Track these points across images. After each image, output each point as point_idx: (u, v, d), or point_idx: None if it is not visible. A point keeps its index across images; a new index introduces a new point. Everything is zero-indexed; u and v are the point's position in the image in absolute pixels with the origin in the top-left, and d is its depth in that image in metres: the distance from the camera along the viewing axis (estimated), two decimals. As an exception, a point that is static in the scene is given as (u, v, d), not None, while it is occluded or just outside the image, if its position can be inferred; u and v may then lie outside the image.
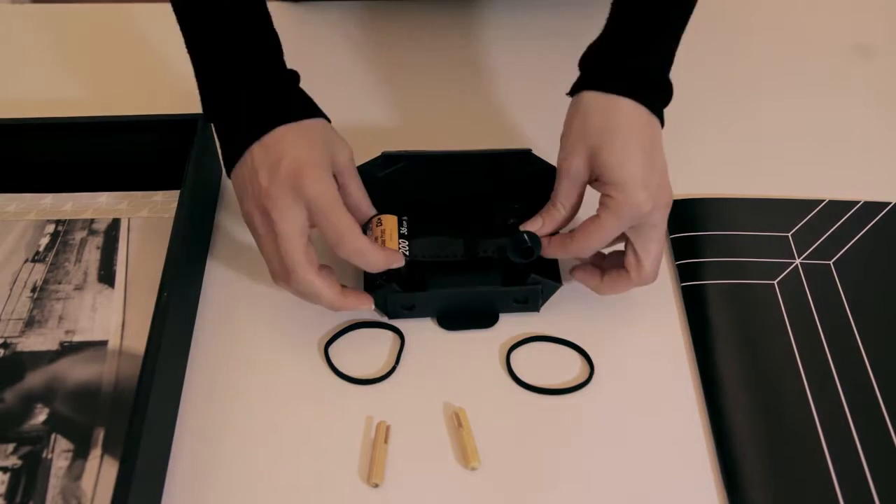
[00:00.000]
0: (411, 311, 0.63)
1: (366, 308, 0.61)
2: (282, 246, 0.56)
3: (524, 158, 0.67)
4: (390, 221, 0.62)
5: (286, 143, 0.57)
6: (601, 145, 0.58)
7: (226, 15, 0.60)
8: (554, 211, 0.61)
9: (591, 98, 0.59)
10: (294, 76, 0.62)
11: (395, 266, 0.60)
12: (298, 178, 0.55)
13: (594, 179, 0.59)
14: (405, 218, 0.64)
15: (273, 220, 0.56)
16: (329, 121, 0.62)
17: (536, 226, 0.61)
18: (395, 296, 0.62)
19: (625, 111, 0.58)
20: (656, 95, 0.60)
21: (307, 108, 0.61)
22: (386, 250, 0.60)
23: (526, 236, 0.60)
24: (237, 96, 0.60)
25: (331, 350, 0.62)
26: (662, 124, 0.61)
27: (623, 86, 0.59)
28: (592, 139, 0.58)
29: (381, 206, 0.63)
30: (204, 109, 0.63)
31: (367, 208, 0.62)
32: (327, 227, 0.56)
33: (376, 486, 0.55)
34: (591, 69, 0.61)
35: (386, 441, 0.57)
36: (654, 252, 0.59)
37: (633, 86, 0.59)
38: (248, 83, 0.60)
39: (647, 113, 0.59)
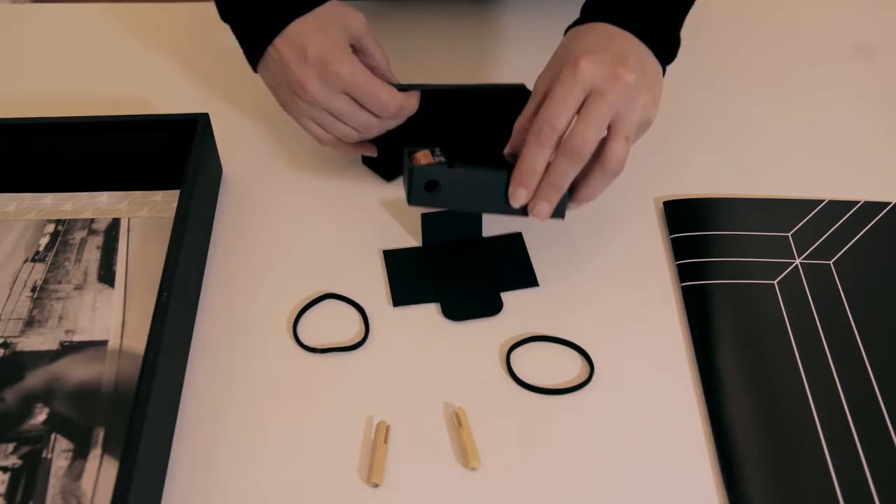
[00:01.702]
0: (433, 196, 0.61)
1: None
2: (333, 115, 0.65)
3: (520, 93, 0.67)
4: (425, 156, 0.62)
5: (304, 34, 0.63)
6: (572, 41, 0.60)
7: None
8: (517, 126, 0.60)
9: (586, 26, 0.61)
10: None
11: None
12: (326, 64, 0.62)
13: None
14: (437, 148, 0.64)
15: (318, 102, 0.63)
16: None
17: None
18: (422, 169, 0.60)
19: (618, 36, 0.59)
20: (657, 39, 0.60)
21: None
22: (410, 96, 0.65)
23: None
24: None
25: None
26: (664, 74, 0.62)
27: (622, 18, 0.60)
28: (573, 54, 0.57)
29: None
30: (220, 11, 0.68)
31: (386, 70, 0.68)
32: (367, 98, 0.63)
33: (376, 486, 0.55)
34: (593, 7, 0.63)
35: (386, 441, 0.57)
36: (624, 132, 0.57)
37: (632, 22, 0.60)
38: None
39: (642, 45, 0.59)
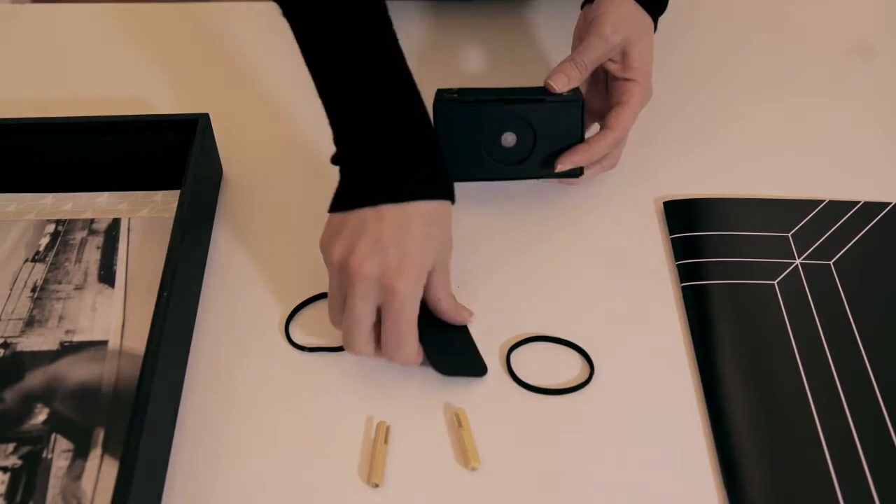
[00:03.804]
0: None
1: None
2: (347, 318, 0.57)
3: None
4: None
5: (401, 228, 0.56)
6: (637, 38, 0.68)
7: (365, 52, 0.58)
8: (573, 65, 0.67)
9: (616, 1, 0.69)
10: (434, 136, 0.60)
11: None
12: (397, 277, 0.55)
13: (611, 61, 0.69)
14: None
15: (352, 293, 0.56)
16: (453, 200, 0.59)
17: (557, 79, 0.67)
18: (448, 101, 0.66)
19: (643, 20, 0.70)
20: (657, 9, 0.72)
21: (440, 186, 0.58)
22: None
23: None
24: (378, 148, 0.57)
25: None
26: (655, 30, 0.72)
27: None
28: (630, 30, 0.68)
29: None
30: (338, 149, 0.60)
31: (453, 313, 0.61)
32: (391, 329, 0.56)
33: (376, 486, 0.55)
34: None
35: (386, 441, 0.57)
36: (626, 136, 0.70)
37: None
38: (392, 136, 0.57)
39: (652, 23, 0.71)
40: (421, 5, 0.92)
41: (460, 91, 0.67)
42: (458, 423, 0.58)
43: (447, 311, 0.60)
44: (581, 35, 0.70)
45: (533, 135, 0.67)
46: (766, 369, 0.61)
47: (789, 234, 0.69)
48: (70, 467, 0.55)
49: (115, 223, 0.70)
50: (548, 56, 0.87)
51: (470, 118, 0.66)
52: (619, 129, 0.67)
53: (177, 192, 0.71)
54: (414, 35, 0.89)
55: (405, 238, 0.56)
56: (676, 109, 0.81)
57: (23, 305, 0.64)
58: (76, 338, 0.62)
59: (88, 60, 0.86)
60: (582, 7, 0.73)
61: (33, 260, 0.67)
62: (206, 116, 0.70)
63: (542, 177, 0.70)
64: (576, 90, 0.67)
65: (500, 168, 0.68)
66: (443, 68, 0.85)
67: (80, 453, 0.56)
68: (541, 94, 0.67)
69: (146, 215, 0.70)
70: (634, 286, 0.67)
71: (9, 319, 0.63)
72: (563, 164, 0.67)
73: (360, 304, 0.56)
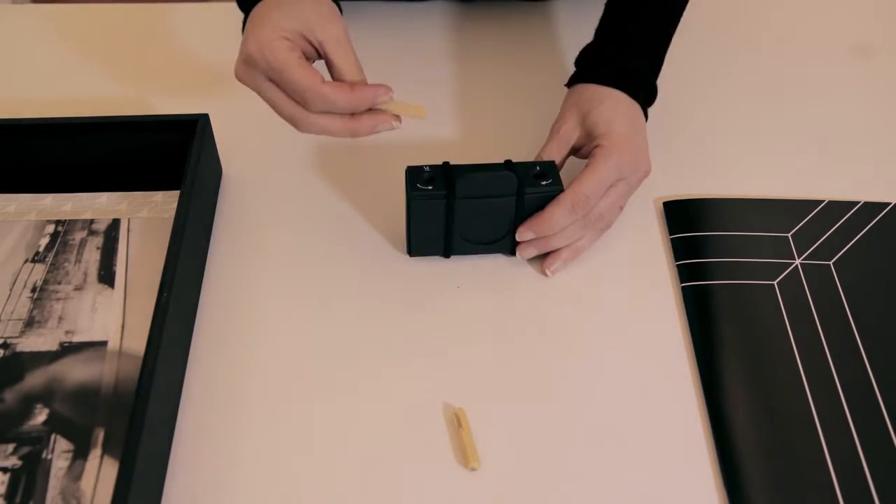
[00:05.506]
0: (432, 190, 0.63)
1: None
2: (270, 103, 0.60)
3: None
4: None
5: (252, 22, 0.60)
6: (591, 109, 0.66)
7: None
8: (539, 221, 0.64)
9: (585, 86, 0.69)
10: None
11: (377, 101, 0.58)
12: (250, 53, 0.58)
13: (581, 146, 0.67)
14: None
15: (237, 77, 0.60)
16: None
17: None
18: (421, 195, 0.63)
19: (613, 95, 0.67)
20: (641, 92, 0.69)
21: None
22: (356, 90, 0.58)
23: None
24: None
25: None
26: (646, 119, 0.70)
27: (611, 79, 0.68)
28: (584, 105, 0.67)
29: None
30: None
31: (352, 74, 0.59)
32: (288, 87, 0.57)
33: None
34: (584, 67, 0.71)
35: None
36: (623, 203, 0.67)
37: (620, 80, 0.68)
38: None
39: (631, 101, 0.68)
40: (434, 6, 0.92)
41: (433, 167, 0.64)
42: (458, 423, 0.58)
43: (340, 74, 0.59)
44: (574, 123, 0.68)
45: (511, 221, 0.65)
46: (766, 369, 0.61)
47: (789, 234, 0.69)
48: (70, 468, 0.55)
49: (115, 223, 0.70)
50: (562, 58, 0.87)
51: (446, 211, 0.64)
52: (573, 191, 0.63)
53: (177, 193, 0.71)
54: (432, 36, 0.89)
55: (251, 29, 0.59)
56: (676, 110, 0.81)
57: (22, 306, 0.64)
58: (76, 338, 0.62)
59: (88, 60, 0.86)
60: (571, 83, 0.71)
61: (33, 260, 0.67)
62: (206, 116, 0.70)
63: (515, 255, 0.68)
64: (556, 171, 0.65)
65: (474, 247, 0.67)
66: (453, 68, 0.85)
67: (80, 454, 0.56)
68: (520, 173, 0.63)
69: (146, 215, 0.70)
70: (634, 287, 0.67)
71: (8, 320, 0.63)
72: (521, 236, 0.65)
73: (262, 93, 0.59)
